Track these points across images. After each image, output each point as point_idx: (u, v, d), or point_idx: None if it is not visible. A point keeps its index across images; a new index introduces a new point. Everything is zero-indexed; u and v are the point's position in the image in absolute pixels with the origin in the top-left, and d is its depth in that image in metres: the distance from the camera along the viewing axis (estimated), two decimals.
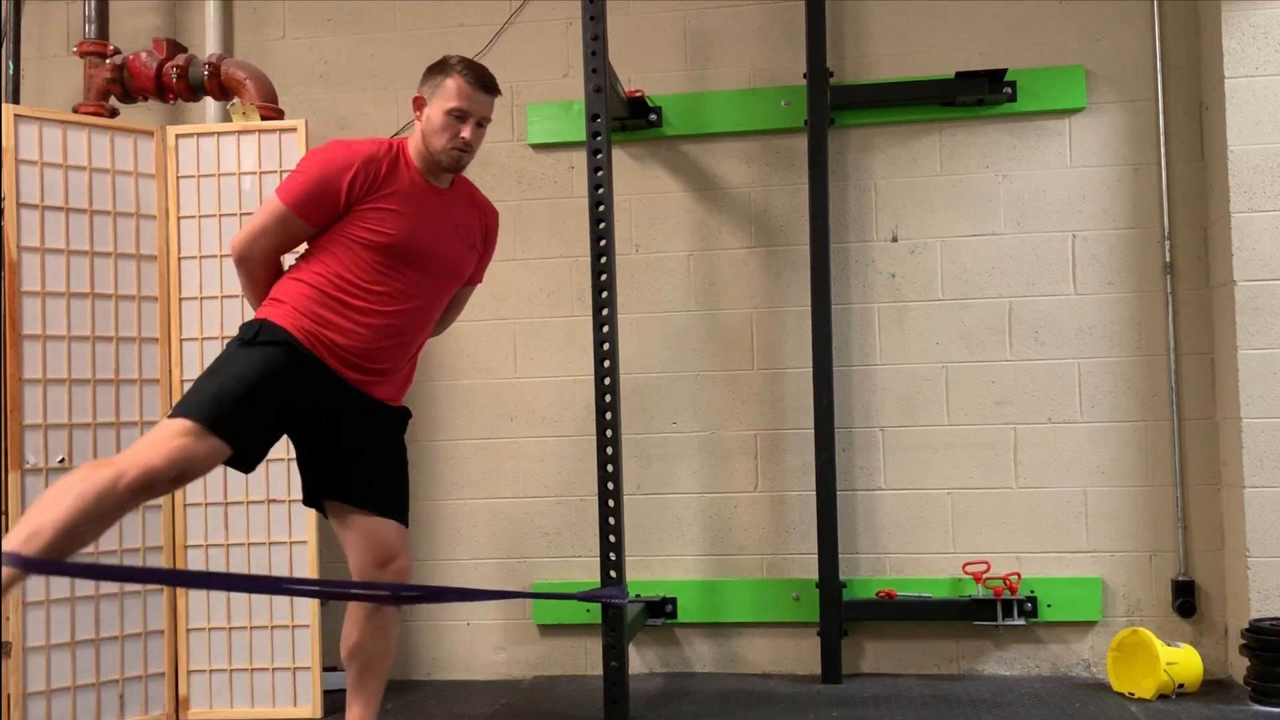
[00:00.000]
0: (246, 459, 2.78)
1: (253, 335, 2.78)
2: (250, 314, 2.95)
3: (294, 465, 3.73)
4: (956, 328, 4.13)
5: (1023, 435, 4.08)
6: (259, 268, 2.90)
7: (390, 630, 2.99)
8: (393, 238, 2.85)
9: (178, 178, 3.87)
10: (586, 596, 3.50)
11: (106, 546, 3.65)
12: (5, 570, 2.30)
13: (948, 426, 4.12)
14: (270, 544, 3.78)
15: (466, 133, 2.88)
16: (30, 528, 2.44)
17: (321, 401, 2.83)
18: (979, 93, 4.04)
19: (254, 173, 3.86)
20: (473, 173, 4.33)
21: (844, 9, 4.22)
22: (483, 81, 2.90)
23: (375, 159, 2.85)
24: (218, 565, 3.77)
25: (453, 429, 4.34)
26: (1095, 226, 4.08)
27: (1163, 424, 4.01)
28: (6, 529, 3.50)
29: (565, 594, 3.79)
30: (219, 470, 3.74)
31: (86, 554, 3.60)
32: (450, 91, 2.87)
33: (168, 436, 2.61)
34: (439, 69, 2.92)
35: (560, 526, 4.30)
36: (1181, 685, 3.66)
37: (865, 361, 4.17)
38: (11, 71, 4.17)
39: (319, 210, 2.83)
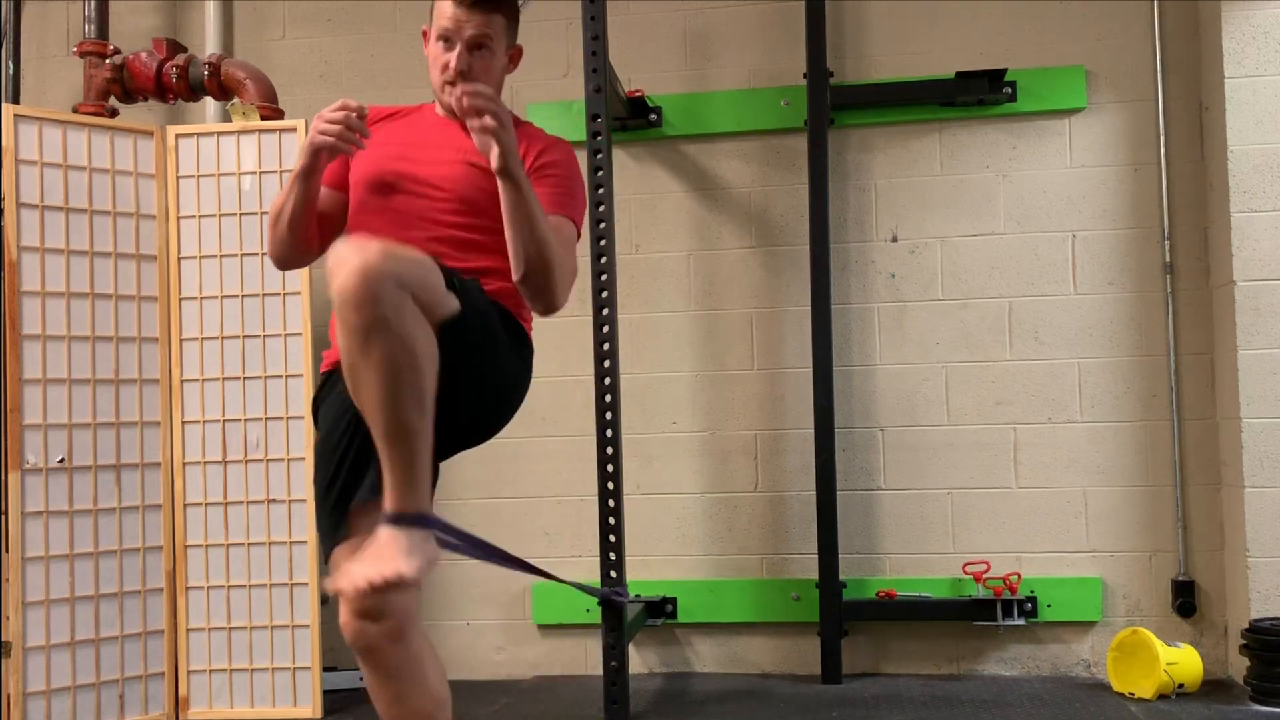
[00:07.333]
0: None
1: None
2: None
3: (294, 465, 3.79)
4: (956, 328, 4.13)
5: (1023, 435, 4.08)
6: None
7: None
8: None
9: (178, 178, 3.86)
10: (594, 590, 3.45)
11: (106, 546, 3.66)
12: None
13: (948, 426, 4.12)
14: (270, 544, 3.77)
15: (452, 59, 2.35)
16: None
17: None
18: (979, 93, 4.04)
19: (254, 172, 3.85)
20: None
21: (844, 9, 4.22)
22: None
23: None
24: (218, 565, 3.77)
25: None
26: (1095, 226, 4.08)
27: (1163, 424, 4.01)
28: (6, 529, 3.50)
29: (580, 584, 3.22)
30: (218, 469, 3.78)
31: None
32: (434, 14, 2.39)
33: None
34: None
35: (560, 526, 4.30)
36: (1181, 685, 3.66)
37: (865, 361, 4.17)
38: (11, 71, 4.17)
39: None
